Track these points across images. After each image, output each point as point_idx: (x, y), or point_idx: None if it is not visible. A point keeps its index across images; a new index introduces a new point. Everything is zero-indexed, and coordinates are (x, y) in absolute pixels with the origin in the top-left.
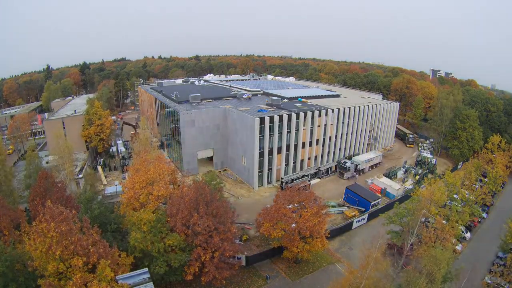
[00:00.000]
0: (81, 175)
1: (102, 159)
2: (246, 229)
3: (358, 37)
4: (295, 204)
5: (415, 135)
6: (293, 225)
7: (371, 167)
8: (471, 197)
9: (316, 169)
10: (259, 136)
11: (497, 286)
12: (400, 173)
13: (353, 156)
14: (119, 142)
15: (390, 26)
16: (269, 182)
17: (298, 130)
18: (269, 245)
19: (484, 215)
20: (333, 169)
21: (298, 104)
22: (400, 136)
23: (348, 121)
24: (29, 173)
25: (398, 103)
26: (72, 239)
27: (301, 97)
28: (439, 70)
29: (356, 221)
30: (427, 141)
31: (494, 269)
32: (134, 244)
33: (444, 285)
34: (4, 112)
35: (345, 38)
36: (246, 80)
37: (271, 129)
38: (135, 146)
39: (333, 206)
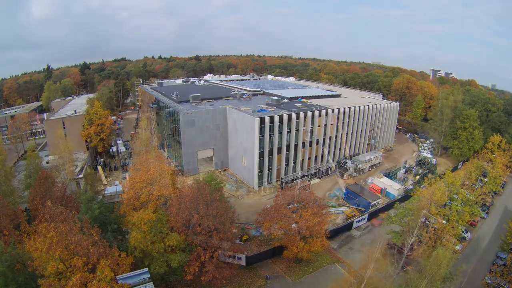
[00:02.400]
0: (81, 175)
1: (102, 159)
2: (247, 229)
3: (359, 38)
4: (295, 204)
5: (415, 135)
6: (293, 225)
7: (371, 167)
8: (471, 197)
9: (316, 169)
10: (259, 136)
11: (497, 286)
12: (400, 173)
13: (353, 156)
14: (119, 142)
15: (390, 24)
16: (269, 182)
17: (298, 130)
18: (269, 245)
19: (484, 215)
20: (333, 169)
21: (298, 104)
22: None
23: (348, 121)
24: (29, 173)
25: (398, 103)
26: (72, 239)
27: (301, 97)
28: (439, 70)
29: (356, 221)
30: (427, 141)
31: (494, 269)
32: (134, 244)
33: (444, 285)
34: (4, 112)
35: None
36: (246, 80)
37: (271, 129)
38: (135, 146)
39: (333, 206)
